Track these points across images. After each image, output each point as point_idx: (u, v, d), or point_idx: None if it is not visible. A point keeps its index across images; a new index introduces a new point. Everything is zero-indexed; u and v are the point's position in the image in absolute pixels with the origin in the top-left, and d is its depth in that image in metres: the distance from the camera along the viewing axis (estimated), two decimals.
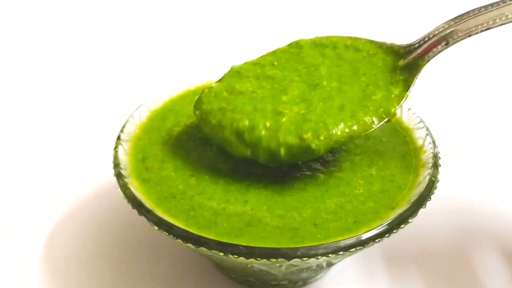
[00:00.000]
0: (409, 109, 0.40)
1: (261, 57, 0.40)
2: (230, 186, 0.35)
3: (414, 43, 0.36)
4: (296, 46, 0.40)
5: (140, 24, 0.72)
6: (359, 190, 0.35)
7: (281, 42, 0.61)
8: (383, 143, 0.39)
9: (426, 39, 0.36)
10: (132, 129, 0.39)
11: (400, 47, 0.37)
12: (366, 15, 0.70)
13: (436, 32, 0.35)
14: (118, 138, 0.38)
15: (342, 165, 0.36)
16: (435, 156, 0.36)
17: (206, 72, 0.44)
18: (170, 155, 0.37)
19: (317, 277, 0.39)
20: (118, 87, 0.59)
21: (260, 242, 0.31)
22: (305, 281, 0.38)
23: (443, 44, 0.35)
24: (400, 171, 0.36)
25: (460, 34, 0.34)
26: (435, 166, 0.35)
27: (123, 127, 0.38)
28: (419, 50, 0.36)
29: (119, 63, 0.64)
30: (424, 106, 0.43)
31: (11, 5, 0.73)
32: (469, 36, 0.34)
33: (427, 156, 0.36)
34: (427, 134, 0.38)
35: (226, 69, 0.42)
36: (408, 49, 0.36)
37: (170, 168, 0.36)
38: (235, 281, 0.39)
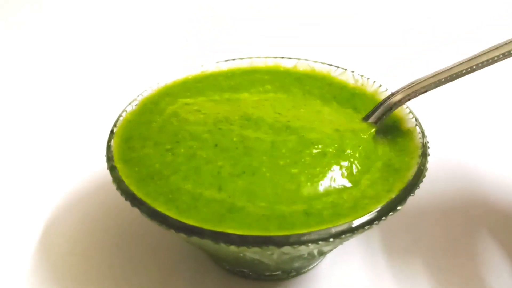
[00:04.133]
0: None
1: None
2: (203, 166, 0.35)
3: (364, 117, 0.40)
4: None
5: (133, 18, 0.73)
6: (358, 176, 0.35)
7: (279, 43, 0.62)
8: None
9: (373, 111, 0.39)
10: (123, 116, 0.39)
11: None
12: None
13: (377, 107, 0.39)
14: (112, 132, 0.38)
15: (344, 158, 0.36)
16: (424, 146, 0.37)
17: (199, 65, 0.45)
18: (154, 132, 0.37)
19: (310, 267, 0.39)
20: (111, 81, 0.60)
21: (246, 229, 0.31)
22: (298, 271, 0.39)
23: (388, 112, 0.39)
24: (396, 154, 0.37)
25: (402, 102, 0.39)
26: (424, 155, 0.36)
27: (116, 121, 0.39)
28: (372, 120, 0.39)
29: (112, 56, 0.65)
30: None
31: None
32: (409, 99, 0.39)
33: (415, 145, 0.37)
34: (416, 124, 0.38)
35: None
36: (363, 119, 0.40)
37: (150, 145, 0.36)
38: (229, 272, 0.39)
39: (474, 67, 0.37)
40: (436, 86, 0.38)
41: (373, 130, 0.38)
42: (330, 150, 0.36)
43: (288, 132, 0.37)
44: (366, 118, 0.39)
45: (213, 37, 0.69)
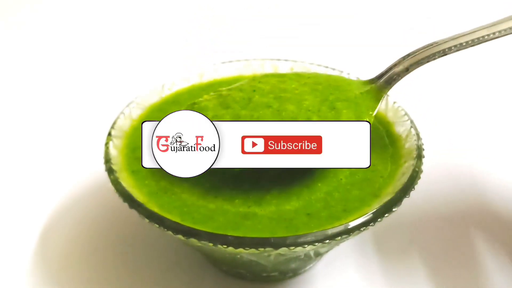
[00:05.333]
0: (394, 102, 0.41)
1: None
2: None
3: (375, 77, 0.38)
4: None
5: (132, 18, 0.73)
6: (343, 179, 0.36)
7: (279, 43, 0.62)
8: None
9: (386, 70, 0.38)
10: (125, 123, 0.40)
11: (364, 81, 0.39)
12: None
13: (392, 66, 0.38)
14: (109, 134, 0.38)
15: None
16: (419, 148, 0.37)
17: (199, 70, 0.45)
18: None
19: (307, 268, 0.39)
20: (111, 81, 0.60)
21: (257, 234, 0.32)
22: (295, 272, 0.39)
23: (403, 73, 0.37)
24: (380, 162, 0.37)
25: (420, 64, 0.37)
26: (419, 157, 0.36)
27: (114, 123, 0.39)
28: (383, 80, 0.38)
29: (112, 56, 0.65)
30: (409, 98, 0.44)
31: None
32: (422, 65, 0.37)
33: (409, 147, 0.37)
34: (411, 127, 0.39)
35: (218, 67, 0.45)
36: (371, 81, 0.39)
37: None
38: (226, 273, 0.39)
39: (497, 33, 0.36)
40: (457, 50, 0.36)
41: (383, 94, 0.37)
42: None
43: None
44: (378, 78, 0.38)
45: (213, 38, 0.69)
